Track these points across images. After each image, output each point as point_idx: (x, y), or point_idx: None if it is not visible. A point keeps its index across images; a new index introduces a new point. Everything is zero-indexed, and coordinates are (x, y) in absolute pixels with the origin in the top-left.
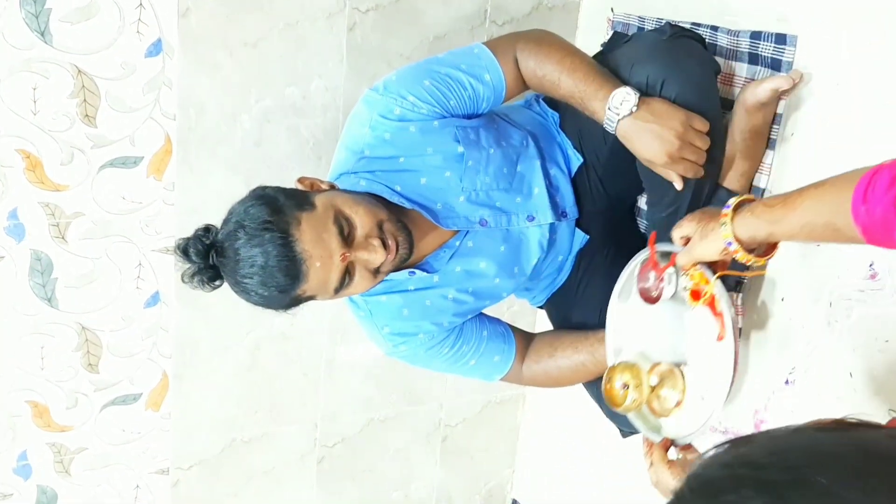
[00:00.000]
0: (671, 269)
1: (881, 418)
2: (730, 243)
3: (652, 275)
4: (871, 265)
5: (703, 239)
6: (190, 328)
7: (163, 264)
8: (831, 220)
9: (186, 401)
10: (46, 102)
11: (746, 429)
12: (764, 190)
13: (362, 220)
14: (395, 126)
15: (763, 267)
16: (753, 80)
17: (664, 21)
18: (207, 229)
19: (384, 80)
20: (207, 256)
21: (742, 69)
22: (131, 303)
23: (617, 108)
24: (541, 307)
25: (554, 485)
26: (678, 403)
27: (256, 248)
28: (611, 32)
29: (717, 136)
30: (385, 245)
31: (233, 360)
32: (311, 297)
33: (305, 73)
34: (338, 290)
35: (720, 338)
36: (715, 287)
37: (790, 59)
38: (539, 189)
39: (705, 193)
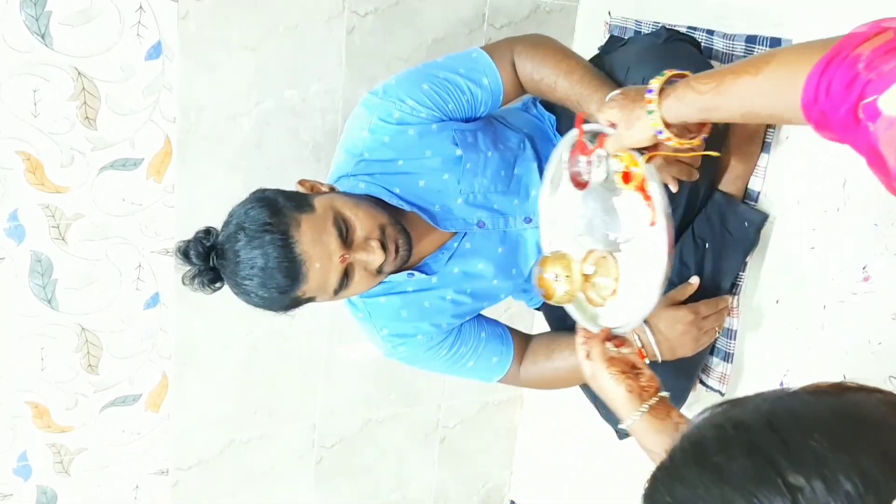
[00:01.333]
0: (601, 151)
1: None
2: (660, 132)
3: (582, 159)
4: (864, 268)
5: (630, 128)
6: (189, 329)
7: (162, 266)
8: (776, 113)
9: (186, 401)
10: (47, 105)
11: None
12: (759, 193)
13: (362, 223)
14: (393, 129)
15: (700, 147)
16: None
17: (660, 25)
18: (208, 231)
19: (384, 85)
20: (208, 259)
21: None
22: (131, 304)
23: None
24: (538, 309)
25: (551, 486)
26: (613, 292)
27: (256, 249)
28: (608, 36)
29: (713, 139)
30: (385, 247)
31: (232, 360)
32: (310, 299)
33: (305, 75)
34: (337, 291)
35: (652, 223)
36: (644, 170)
37: None
38: (536, 191)
39: (701, 196)
